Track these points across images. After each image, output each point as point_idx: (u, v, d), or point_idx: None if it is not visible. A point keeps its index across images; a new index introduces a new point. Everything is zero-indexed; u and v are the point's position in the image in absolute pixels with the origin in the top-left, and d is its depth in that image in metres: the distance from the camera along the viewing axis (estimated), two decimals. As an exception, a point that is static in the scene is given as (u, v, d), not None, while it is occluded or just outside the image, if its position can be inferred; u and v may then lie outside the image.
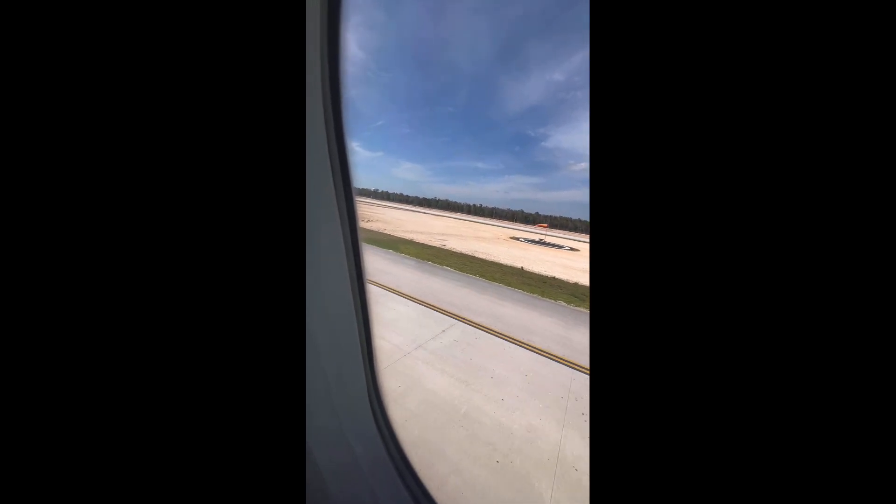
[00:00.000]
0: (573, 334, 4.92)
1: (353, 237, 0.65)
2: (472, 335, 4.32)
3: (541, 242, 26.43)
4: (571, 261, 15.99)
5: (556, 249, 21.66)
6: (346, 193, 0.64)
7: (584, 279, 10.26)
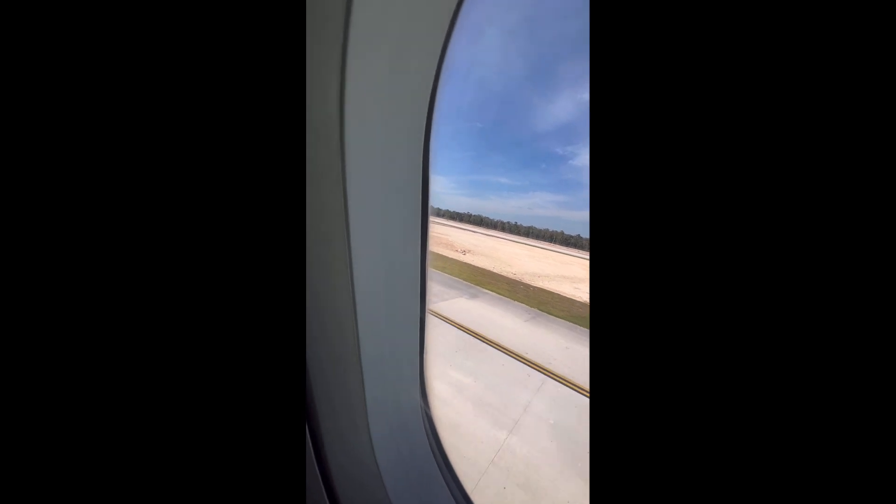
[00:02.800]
0: None
1: (422, 246, 0.67)
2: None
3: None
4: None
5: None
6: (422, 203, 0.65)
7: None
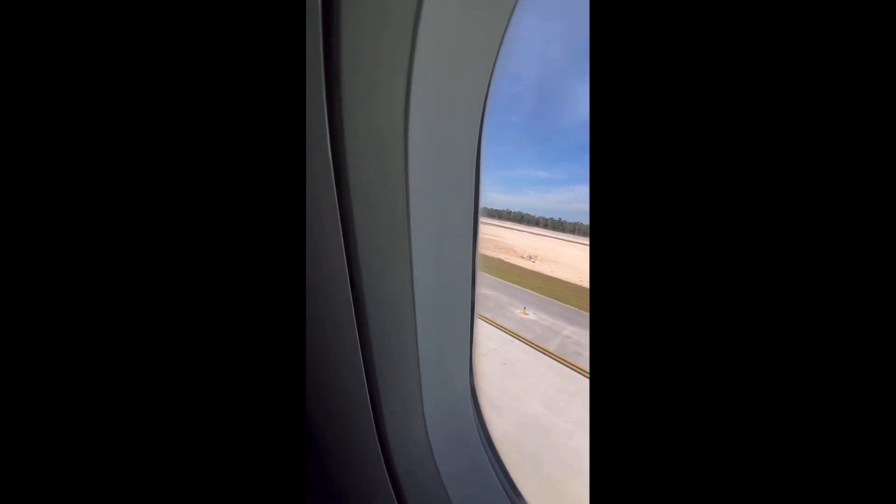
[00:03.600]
0: None
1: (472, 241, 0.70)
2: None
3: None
4: None
5: None
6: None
7: None
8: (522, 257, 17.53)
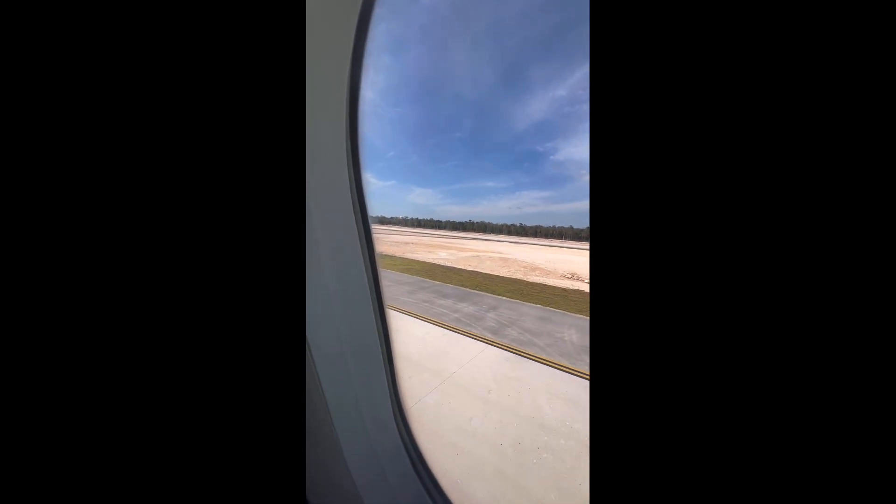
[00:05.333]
0: None
1: (370, 251, 0.72)
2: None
3: None
4: None
5: None
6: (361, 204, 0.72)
7: None
8: (563, 277, 15.67)
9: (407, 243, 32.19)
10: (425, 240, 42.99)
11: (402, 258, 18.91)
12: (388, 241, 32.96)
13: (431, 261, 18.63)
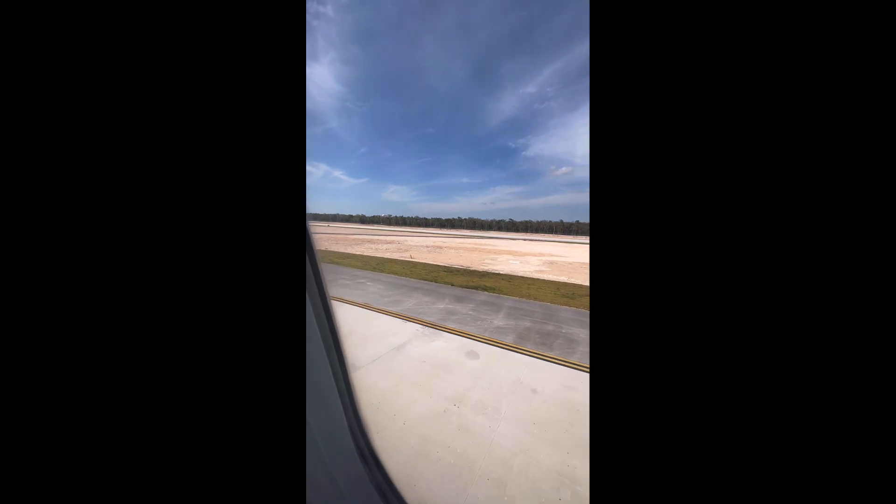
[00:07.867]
0: None
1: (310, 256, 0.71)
2: None
3: None
4: None
5: None
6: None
7: None
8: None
9: (440, 247, 24.64)
10: (453, 242, 35.31)
11: (549, 281, 11.51)
12: (418, 246, 25.00)
13: (573, 280, 11.54)
